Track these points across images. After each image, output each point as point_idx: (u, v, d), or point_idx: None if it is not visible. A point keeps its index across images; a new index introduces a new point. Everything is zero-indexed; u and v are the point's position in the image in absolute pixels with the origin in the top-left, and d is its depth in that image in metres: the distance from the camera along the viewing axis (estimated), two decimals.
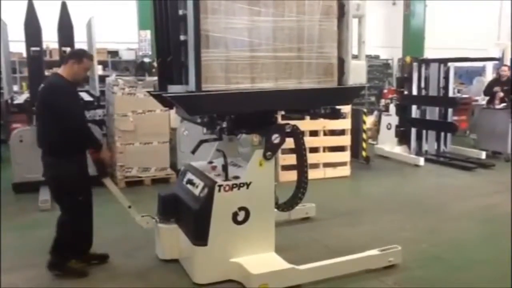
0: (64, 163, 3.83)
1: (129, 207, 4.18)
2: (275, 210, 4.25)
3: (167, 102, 4.03)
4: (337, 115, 4.24)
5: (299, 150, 4.27)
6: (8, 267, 4.11)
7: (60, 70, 4.00)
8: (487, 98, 10.00)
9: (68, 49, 6.57)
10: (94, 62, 4.17)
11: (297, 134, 4.20)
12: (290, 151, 5.01)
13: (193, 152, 4.41)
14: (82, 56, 3.99)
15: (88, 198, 4.10)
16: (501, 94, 9.29)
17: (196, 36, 3.34)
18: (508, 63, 10.89)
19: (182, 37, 3.50)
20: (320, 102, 4.04)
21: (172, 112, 7.83)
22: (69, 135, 3.79)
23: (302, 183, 4.32)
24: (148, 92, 4.69)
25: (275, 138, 3.88)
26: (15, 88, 10.46)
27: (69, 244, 3.97)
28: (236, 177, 3.88)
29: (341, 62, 3.92)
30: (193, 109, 3.53)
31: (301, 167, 4.31)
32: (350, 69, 3.94)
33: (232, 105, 3.59)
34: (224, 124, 3.83)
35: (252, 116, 3.83)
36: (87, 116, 8.30)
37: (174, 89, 3.52)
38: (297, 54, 3.72)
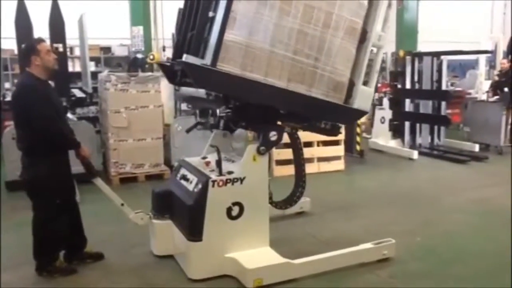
0: (39, 164, 3.76)
1: (122, 205, 4.16)
2: (271, 206, 4.27)
3: (171, 75, 4.01)
4: (335, 132, 4.30)
5: (297, 153, 4.30)
6: (3, 266, 4.09)
7: (29, 69, 3.82)
8: (482, 89, 10.08)
9: (60, 46, 6.55)
10: (46, 42, 3.98)
11: (295, 138, 4.23)
12: (285, 146, 5.03)
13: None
14: (34, 46, 3.80)
15: (69, 199, 4.05)
16: (496, 78, 9.35)
17: (225, 14, 3.38)
18: (501, 56, 10.95)
19: (211, 14, 3.54)
20: (323, 114, 4.06)
21: (166, 108, 7.84)
22: (43, 137, 3.71)
23: (300, 183, 4.35)
24: (158, 64, 4.66)
25: (273, 136, 3.89)
26: (7, 85, 10.40)
27: (49, 245, 3.93)
28: (230, 172, 3.88)
29: (351, 84, 3.95)
30: (201, 81, 3.53)
31: (299, 168, 4.35)
32: (358, 93, 3.96)
33: (239, 90, 3.59)
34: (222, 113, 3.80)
35: (255, 110, 3.83)
36: (81, 112, 8.31)
37: (189, 59, 3.48)
38: (314, 62, 3.75)
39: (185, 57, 3.43)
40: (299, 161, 4.50)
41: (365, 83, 4.07)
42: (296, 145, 4.52)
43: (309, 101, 3.77)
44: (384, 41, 4.09)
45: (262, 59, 3.55)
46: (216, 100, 3.73)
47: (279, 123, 4.08)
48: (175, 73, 4.07)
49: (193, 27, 3.78)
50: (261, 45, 3.53)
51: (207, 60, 3.41)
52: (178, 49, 4.03)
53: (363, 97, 4.00)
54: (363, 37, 3.92)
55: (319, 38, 3.72)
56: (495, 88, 9.66)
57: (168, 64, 4.29)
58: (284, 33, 3.59)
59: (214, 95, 3.67)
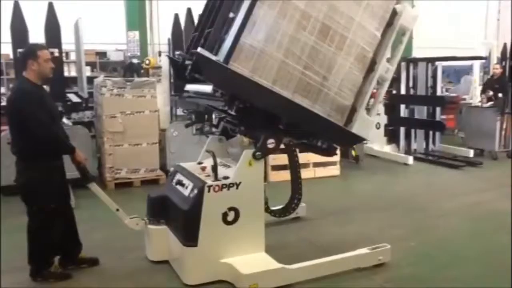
0: (33, 169, 3.76)
1: (117, 210, 4.15)
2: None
3: (179, 71, 4.07)
4: (331, 152, 4.35)
5: (294, 165, 4.33)
6: None
7: (25, 74, 3.83)
8: (478, 95, 10.08)
9: (55, 51, 6.54)
10: (48, 50, 3.97)
11: (292, 151, 4.25)
12: (280, 151, 5.04)
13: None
14: (34, 51, 3.80)
15: (63, 204, 4.04)
16: (490, 93, 9.37)
17: (246, 16, 3.46)
18: (495, 62, 11.00)
19: (231, 14, 3.64)
20: (322, 132, 4.08)
21: (161, 113, 7.84)
22: (37, 142, 3.71)
23: (296, 195, 4.38)
24: (168, 56, 4.69)
25: (270, 143, 3.90)
26: (2, 90, 10.37)
27: (44, 250, 3.92)
28: (226, 178, 3.88)
29: (353, 110, 3.99)
30: (211, 75, 3.57)
31: (295, 180, 4.38)
32: (358, 120, 4.00)
33: (246, 91, 3.62)
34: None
35: (257, 116, 3.85)
36: (76, 117, 8.29)
37: (204, 52, 3.53)
38: (321, 80, 3.80)
39: (200, 50, 3.49)
40: (295, 173, 4.55)
41: (367, 111, 4.14)
42: (292, 157, 4.56)
43: (311, 116, 3.80)
44: (390, 74, 4.17)
45: (273, 67, 3.61)
46: (222, 98, 3.75)
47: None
48: (185, 68, 4.07)
49: (211, 25, 3.86)
50: (274, 53, 3.59)
51: (221, 57, 3.47)
52: (193, 44, 4.08)
53: (363, 124, 4.05)
54: (372, 67, 4.00)
55: (330, 58, 3.79)
56: (490, 97, 9.60)
57: (179, 59, 4.30)
58: (298, 47, 3.66)
59: (220, 93, 3.70)
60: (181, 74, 4.25)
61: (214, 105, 4.18)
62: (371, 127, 4.21)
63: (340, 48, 3.81)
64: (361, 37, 3.88)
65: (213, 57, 3.46)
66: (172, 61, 4.32)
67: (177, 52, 4.32)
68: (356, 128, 4.00)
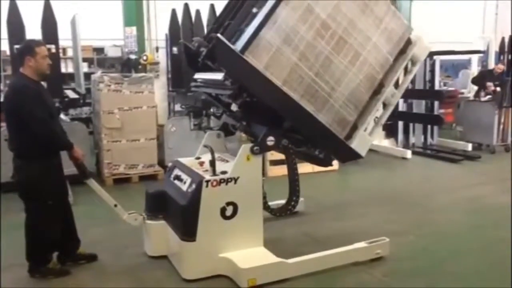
0: (31, 166, 3.75)
1: (115, 206, 4.14)
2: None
3: (192, 59, 4.13)
4: (327, 163, 4.45)
5: (291, 166, 4.34)
6: None
7: (22, 70, 3.81)
8: (475, 88, 10.04)
9: (52, 47, 6.52)
10: (45, 46, 3.95)
11: (290, 153, 4.27)
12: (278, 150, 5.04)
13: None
14: (32, 47, 3.77)
15: (61, 201, 4.03)
16: (492, 88, 9.34)
17: (269, 12, 3.55)
18: (493, 56, 10.98)
19: (254, 10, 3.75)
20: (322, 141, 4.13)
21: (159, 108, 7.83)
22: (35, 138, 3.70)
23: (293, 197, 4.41)
24: (183, 44, 4.65)
25: (270, 141, 3.91)
26: (0, 86, 10.32)
27: (42, 246, 3.91)
28: (224, 172, 3.88)
29: (354, 127, 4.03)
30: (224, 60, 3.61)
31: (293, 179, 4.40)
32: (357, 137, 4.04)
33: (256, 85, 3.65)
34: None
35: (262, 112, 3.87)
36: (74, 113, 8.27)
37: (222, 38, 3.58)
38: (329, 91, 3.86)
39: (219, 36, 3.53)
40: (293, 173, 4.54)
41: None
42: (290, 157, 4.54)
43: (314, 122, 3.83)
44: (396, 99, 4.24)
45: (285, 68, 3.66)
46: (231, 87, 3.76)
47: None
48: (199, 54, 4.05)
49: (232, 18, 3.91)
50: (289, 55, 3.65)
51: (238, 47, 3.52)
52: (212, 32, 4.09)
53: (361, 142, 4.10)
54: (379, 89, 4.06)
55: (341, 71, 3.86)
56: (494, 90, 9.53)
57: (193, 46, 4.30)
58: (313, 54, 3.73)
59: (230, 82, 3.70)
60: (193, 61, 4.26)
61: (221, 93, 4.17)
62: (368, 145, 4.27)
63: (353, 63, 3.89)
64: (374, 57, 3.96)
65: (231, 45, 3.49)
66: (186, 48, 4.30)
67: (195, 38, 4.30)
68: (354, 144, 4.06)
